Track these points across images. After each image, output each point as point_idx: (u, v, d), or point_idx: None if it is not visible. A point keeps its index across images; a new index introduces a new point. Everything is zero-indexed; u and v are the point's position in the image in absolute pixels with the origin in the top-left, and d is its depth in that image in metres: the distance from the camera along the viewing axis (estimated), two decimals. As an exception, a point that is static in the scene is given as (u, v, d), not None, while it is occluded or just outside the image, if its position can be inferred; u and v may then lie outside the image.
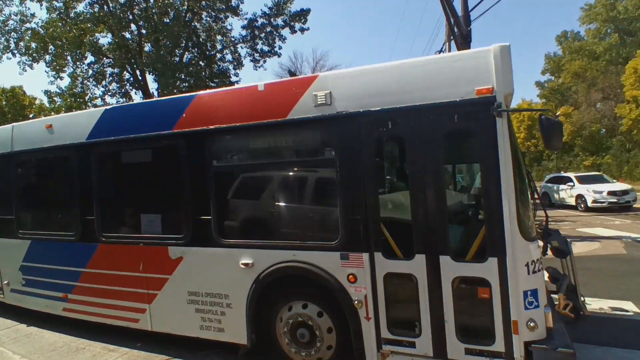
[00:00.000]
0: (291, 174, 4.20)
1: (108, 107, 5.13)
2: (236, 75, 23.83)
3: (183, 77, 21.64)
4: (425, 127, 3.47)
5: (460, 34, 10.74)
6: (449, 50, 14.02)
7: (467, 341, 3.40)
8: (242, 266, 4.13)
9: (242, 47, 23.40)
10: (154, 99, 4.74)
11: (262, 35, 22.73)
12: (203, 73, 22.74)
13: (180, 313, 4.57)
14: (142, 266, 4.75)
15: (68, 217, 5.40)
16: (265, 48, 23.05)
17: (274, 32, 22.58)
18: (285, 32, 22.50)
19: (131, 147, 4.89)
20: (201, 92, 4.47)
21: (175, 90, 19.62)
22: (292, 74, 25.15)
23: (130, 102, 5.25)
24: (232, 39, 23.31)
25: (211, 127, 4.28)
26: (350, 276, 3.71)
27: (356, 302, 3.70)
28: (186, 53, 22.53)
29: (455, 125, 3.48)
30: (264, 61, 23.43)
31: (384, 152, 4.25)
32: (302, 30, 22.33)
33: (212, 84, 22.13)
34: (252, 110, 4.13)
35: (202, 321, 4.46)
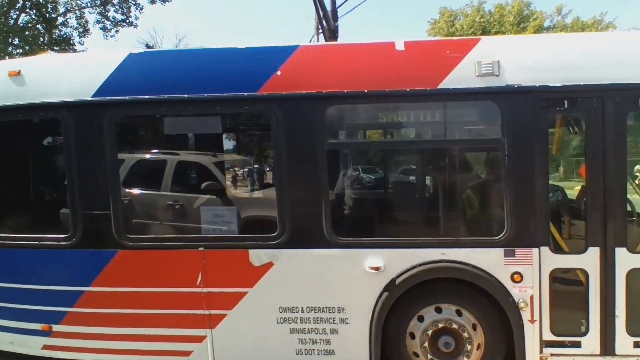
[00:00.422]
0: (437, 155, 3.48)
1: (136, 51, 3.50)
2: (81, 44, 21.03)
3: (17, 42, 18.39)
4: (608, 110, 3.17)
5: (328, 28, 11.14)
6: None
7: (636, 333, 3.29)
8: (371, 270, 3.27)
9: (90, 13, 20.78)
10: (225, 46, 3.36)
11: (115, 1, 20.37)
12: (41, 39, 19.52)
13: (265, 337, 3.45)
14: (201, 278, 3.43)
15: (54, 212, 3.61)
16: (119, 16, 20.68)
17: (130, -1, 20.26)
18: (144, 0, 20.75)
19: (181, 112, 3.46)
20: (305, 44, 3.35)
21: (6, 57, 16.15)
22: (150, 48, 23.15)
23: (175, 48, 3.58)
24: (79, 2, 20.44)
25: (327, 91, 3.25)
26: (516, 275, 3.24)
27: (521, 304, 3.25)
28: (22, 15, 18.89)
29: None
30: (117, 31, 21.06)
31: (556, 135, 3.84)
32: (164, 1, 20.42)
33: (52, 52, 18.83)
34: (387, 74, 3.27)
35: (300, 344, 3.44)
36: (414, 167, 3.59)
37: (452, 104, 3.34)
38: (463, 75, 3.19)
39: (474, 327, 3.38)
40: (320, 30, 12.20)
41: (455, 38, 3.28)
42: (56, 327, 3.61)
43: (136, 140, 3.77)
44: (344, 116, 3.48)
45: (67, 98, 3.43)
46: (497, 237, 3.23)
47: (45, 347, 3.65)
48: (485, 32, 27.64)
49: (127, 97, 3.39)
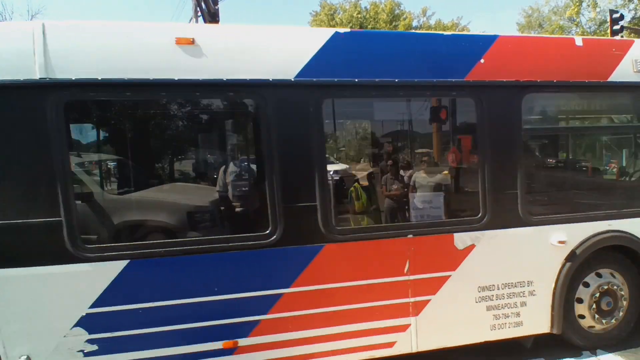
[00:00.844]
0: (602, 139, 3.93)
1: (342, 30, 3.18)
2: None
3: None
4: None
5: (208, 10, 10.85)
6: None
7: None
8: (557, 244, 3.62)
9: None
10: (423, 32, 3.32)
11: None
12: None
13: (464, 318, 3.55)
14: (408, 266, 3.37)
15: (244, 207, 3.12)
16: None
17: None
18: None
19: (389, 96, 3.31)
20: (502, 34, 3.49)
21: None
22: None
23: (381, 30, 3.16)
24: None
25: (525, 80, 3.46)
26: None
27: None
28: None
29: None
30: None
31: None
32: None
33: None
34: (570, 66, 3.61)
35: (494, 320, 3.63)
36: (585, 149, 4.04)
37: (615, 95, 3.85)
38: (624, 70, 3.72)
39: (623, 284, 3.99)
40: (199, 13, 11.43)
41: (617, 38, 3.77)
42: (243, 341, 3.16)
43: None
44: (534, 104, 3.73)
45: (264, 76, 3.01)
46: None
47: None
48: (362, 27, 28.21)
49: (336, 80, 3.12)
